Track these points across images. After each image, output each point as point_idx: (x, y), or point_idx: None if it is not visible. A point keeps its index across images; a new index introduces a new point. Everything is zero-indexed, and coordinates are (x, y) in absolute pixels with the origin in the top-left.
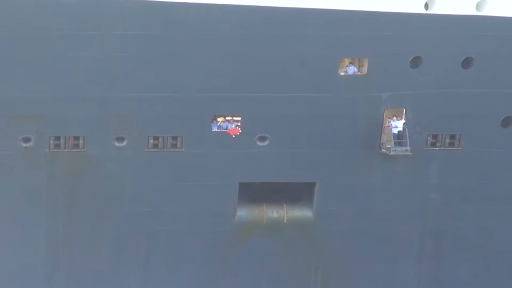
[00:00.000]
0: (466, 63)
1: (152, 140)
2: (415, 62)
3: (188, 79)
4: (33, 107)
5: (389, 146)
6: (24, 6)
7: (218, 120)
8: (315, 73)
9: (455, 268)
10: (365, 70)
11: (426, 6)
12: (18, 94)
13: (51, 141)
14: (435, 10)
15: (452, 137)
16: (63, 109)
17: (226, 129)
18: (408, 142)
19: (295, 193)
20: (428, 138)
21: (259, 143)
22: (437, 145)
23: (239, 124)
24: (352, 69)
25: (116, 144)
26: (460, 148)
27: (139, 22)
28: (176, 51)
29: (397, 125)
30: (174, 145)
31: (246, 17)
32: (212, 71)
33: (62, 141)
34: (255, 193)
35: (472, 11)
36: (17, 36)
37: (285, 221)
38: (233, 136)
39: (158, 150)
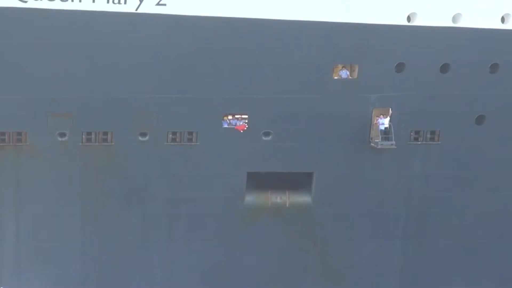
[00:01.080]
0: (444, 68)
1: (170, 135)
2: (399, 67)
3: (202, 83)
4: (69, 106)
5: (377, 140)
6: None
7: (228, 117)
8: (312, 77)
9: (436, 245)
10: (355, 74)
11: (409, 18)
12: (56, 95)
13: (83, 136)
14: (416, 22)
15: (433, 132)
16: (94, 108)
17: (235, 125)
18: (393, 137)
19: (296, 181)
20: (411, 133)
21: (263, 137)
22: (419, 139)
23: (246, 121)
24: (345, 73)
25: (140, 138)
26: (439, 143)
27: (159, 34)
28: (195, 62)
29: (384, 122)
30: (190, 140)
31: (259, 30)
32: (223, 77)
33: (93, 136)
34: (261, 181)
35: (449, 23)
36: (57, 45)
37: (287, 206)
38: (241, 131)
39: (176, 144)
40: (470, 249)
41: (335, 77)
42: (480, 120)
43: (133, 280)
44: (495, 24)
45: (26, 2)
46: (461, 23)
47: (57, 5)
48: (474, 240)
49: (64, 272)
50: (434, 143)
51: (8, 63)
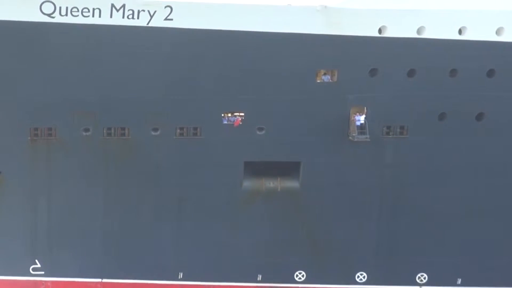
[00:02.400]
0: (411, 73)
1: (178, 130)
2: (373, 72)
3: (204, 85)
4: (92, 105)
5: (354, 134)
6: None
7: (227, 115)
8: (299, 80)
9: (405, 225)
10: (335, 78)
11: (380, 31)
12: (81, 96)
13: (104, 131)
14: (386, 34)
15: (402, 127)
16: (113, 108)
17: (233, 122)
18: (367, 132)
19: (286, 169)
20: (383, 128)
21: (258, 132)
22: (390, 133)
23: (241, 117)
24: (327, 77)
25: (152, 133)
26: (407, 136)
27: (167, 44)
28: (199, 68)
29: (360, 119)
30: (195, 134)
31: (254, 40)
32: (223, 80)
33: (112, 131)
34: (256, 169)
35: (414, 35)
36: (81, 54)
37: (279, 190)
38: (237, 126)
39: (183, 137)
40: (435, 229)
41: (318, 81)
42: (441, 116)
43: (147, 253)
44: (453, 35)
45: (54, 17)
46: (425, 35)
47: (81, 20)
48: (439, 221)
49: (89, 246)
50: (403, 136)
51: (40, 69)
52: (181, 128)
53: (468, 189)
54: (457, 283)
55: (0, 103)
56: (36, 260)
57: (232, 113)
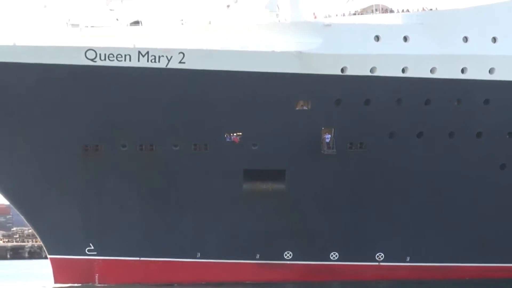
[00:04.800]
0: (367, 102)
1: (193, 146)
2: (337, 102)
3: (211, 112)
4: (128, 128)
5: (324, 149)
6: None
7: (230, 134)
8: (282, 108)
9: (366, 216)
10: (309, 106)
11: (342, 70)
12: (119, 120)
13: (137, 147)
14: (347, 73)
15: (361, 143)
16: (143, 130)
17: (233, 139)
18: (334, 147)
19: (275, 174)
20: (348, 144)
21: (253, 147)
22: (352, 148)
23: (239, 136)
24: (304, 107)
25: (173, 148)
26: (366, 150)
27: (181, 82)
28: (207, 99)
29: (328, 137)
30: (205, 149)
31: (247, 78)
32: (224, 109)
33: (143, 147)
34: (253, 174)
35: (368, 73)
36: (119, 90)
37: (270, 190)
38: (237, 142)
39: (196, 151)
40: (389, 219)
41: (297, 108)
42: (391, 135)
43: (172, 237)
44: (398, 73)
45: (96, 62)
46: (377, 73)
47: (116, 64)
48: (391, 213)
49: (129, 233)
50: (362, 150)
51: (87, 101)
52: (195, 145)
53: (411, 188)
54: (406, 260)
55: (60, 126)
56: (90, 244)
57: (232, 133)
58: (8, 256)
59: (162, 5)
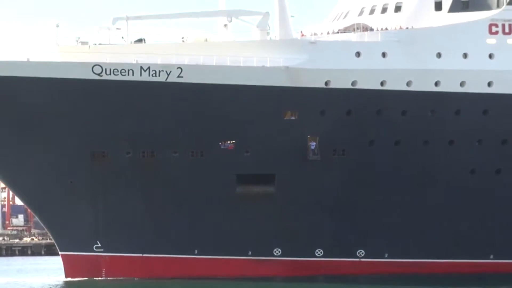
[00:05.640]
0: (348, 113)
1: (190, 153)
2: (322, 112)
3: (206, 122)
4: (131, 136)
5: (310, 155)
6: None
7: (224, 142)
8: (271, 118)
9: (348, 216)
10: (297, 116)
11: (326, 83)
12: (123, 130)
13: (140, 154)
14: (330, 86)
15: (343, 150)
16: (145, 138)
17: (227, 147)
18: (319, 154)
19: (266, 179)
20: (331, 151)
21: (245, 154)
22: (335, 154)
23: (232, 144)
24: (291, 117)
25: (173, 155)
26: (348, 156)
27: (179, 95)
28: (202, 110)
29: (313, 145)
30: (201, 156)
31: (241, 92)
32: (218, 119)
33: (145, 153)
34: (245, 179)
35: (349, 86)
36: (124, 101)
37: (261, 193)
38: (231, 149)
39: (193, 158)
40: (368, 219)
41: (285, 118)
42: (371, 143)
43: (170, 235)
44: (377, 86)
45: (102, 76)
46: (357, 86)
47: (120, 78)
48: (370, 213)
49: (133, 231)
50: (344, 156)
51: (93, 112)
52: (192, 152)
53: (389, 191)
54: (385, 256)
55: (70, 135)
56: (98, 241)
57: (226, 141)
58: (43, 252)
59: (165, 25)
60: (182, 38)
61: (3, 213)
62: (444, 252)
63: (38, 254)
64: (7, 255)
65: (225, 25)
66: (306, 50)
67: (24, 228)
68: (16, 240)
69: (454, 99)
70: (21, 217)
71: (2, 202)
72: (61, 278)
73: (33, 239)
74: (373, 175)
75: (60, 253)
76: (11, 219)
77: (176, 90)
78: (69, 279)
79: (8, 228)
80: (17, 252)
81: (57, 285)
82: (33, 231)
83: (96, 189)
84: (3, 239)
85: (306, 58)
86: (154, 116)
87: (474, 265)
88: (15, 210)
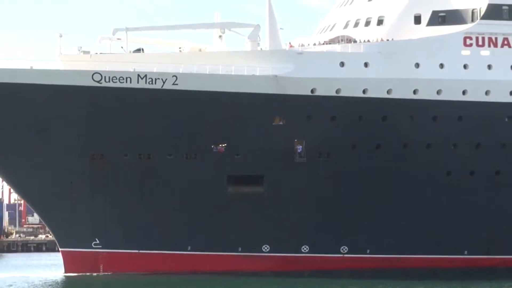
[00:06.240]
0: (332, 118)
1: (184, 156)
2: (308, 118)
3: (200, 127)
4: (129, 140)
5: (296, 158)
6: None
7: (216, 145)
8: (261, 123)
9: (331, 215)
10: (285, 122)
11: (312, 91)
12: (122, 134)
13: (136, 156)
14: (316, 93)
15: (327, 154)
16: (142, 143)
17: (218, 149)
18: (305, 156)
19: (255, 179)
20: (317, 154)
21: (236, 156)
22: (320, 157)
23: (224, 146)
24: (279, 122)
25: (168, 157)
26: (332, 159)
27: (174, 101)
28: (196, 115)
29: (300, 148)
30: (194, 158)
31: (232, 98)
32: (210, 124)
33: (142, 155)
34: (236, 179)
35: (334, 94)
36: (122, 107)
37: (251, 193)
38: (222, 152)
39: (187, 160)
40: (351, 218)
41: (274, 124)
42: (353, 146)
43: (166, 232)
44: (359, 93)
45: (101, 83)
46: (341, 94)
47: (118, 85)
48: (352, 213)
49: (129, 229)
50: (329, 159)
51: (93, 118)
52: (186, 154)
53: (371, 191)
54: (367, 252)
55: (71, 137)
56: (96, 238)
57: (218, 144)
58: (56, 248)
59: (162, 35)
60: (180, 48)
61: (19, 211)
62: (422, 248)
63: (52, 250)
64: (23, 251)
65: (220, 36)
66: (293, 60)
67: (39, 225)
68: (32, 237)
69: (431, 106)
70: (36, 215)
71: (18, 201)
72: (60, 273)
73: (47, 236)
74: (356, 177)
75: (59, 249)
76: (27, 217)
77: (171, 97)
78: (68, 274)
79: (24, 226)
80: (32, 248)
81: (55, 280)
82: (47, 228)
83: (95, 190)
84: (19, 236)
85: (293, 67)
86: (150, 121)
87: (450, 260)
88: (30, 209)
